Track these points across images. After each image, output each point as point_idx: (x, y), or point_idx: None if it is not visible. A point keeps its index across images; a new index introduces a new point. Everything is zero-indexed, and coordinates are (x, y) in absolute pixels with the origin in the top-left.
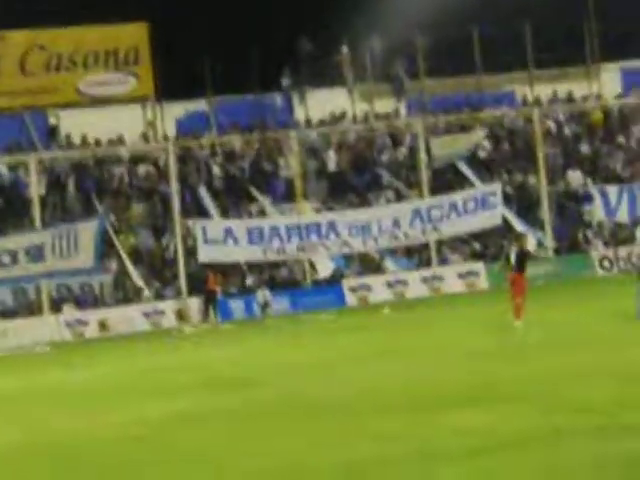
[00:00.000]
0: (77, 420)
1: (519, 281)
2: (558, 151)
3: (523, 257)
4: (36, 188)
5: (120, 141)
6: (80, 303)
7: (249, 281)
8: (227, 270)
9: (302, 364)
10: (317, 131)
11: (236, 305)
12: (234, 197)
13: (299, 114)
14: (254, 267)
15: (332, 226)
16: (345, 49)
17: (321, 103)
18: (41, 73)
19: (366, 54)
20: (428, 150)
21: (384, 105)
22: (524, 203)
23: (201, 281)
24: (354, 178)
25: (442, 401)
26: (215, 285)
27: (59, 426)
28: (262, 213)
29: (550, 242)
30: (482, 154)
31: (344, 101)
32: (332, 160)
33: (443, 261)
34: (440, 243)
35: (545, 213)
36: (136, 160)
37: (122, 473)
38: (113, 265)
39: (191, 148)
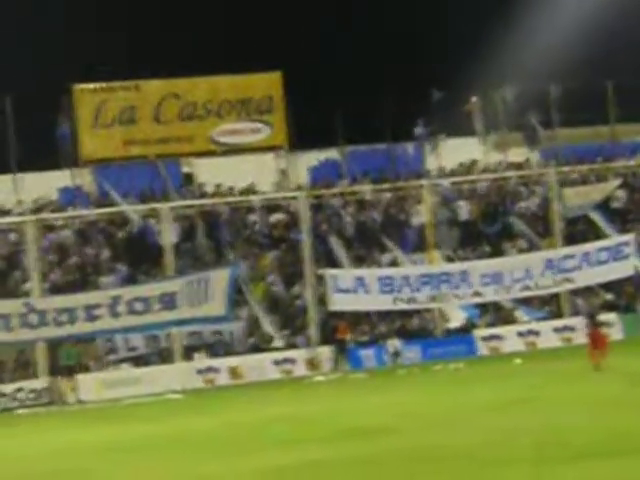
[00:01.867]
0: (206, 466)
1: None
2: None
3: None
4: (169, 236)
5: (253, 189)
6: (212, 351)
7: (380, 330)
8: (358, 319)
9: (432, 413)
10: (449, 180)
11: (367, 354)
12: (365, 246)
13: (431, 163)
14: (385, 316)
15: (464, 275)
16: (475, 98)
17: (453, 152)
18: (175, 122)
19: (498, 103)
20: (561, 200)
21: (517, 154)
22: None
23: (332, 330)
24: (486, 227)
25: (569, 452)
26: (346, 334)
27: (195, 472)
28: (393, 262)
29: None
30: (616, 204)
31: (476, 150)
32: (464, 209)
33: (576, 312)
34: (573, 293)
35: None
36: (269, 208)
37: None
38: (244, 313)
39: (323, 197)
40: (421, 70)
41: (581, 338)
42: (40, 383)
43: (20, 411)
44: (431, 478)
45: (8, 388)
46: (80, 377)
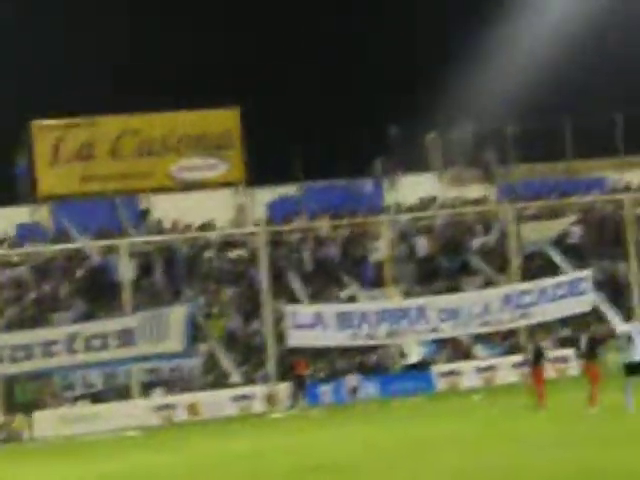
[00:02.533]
0: None
1: (591, 369)
2: None
3: (594, 344)
4: (126, 272)
5: (211, 225)
6: (170, 387)
7: (338, 366)
8: (316, 355)
9: (390, 449)
10: (407, 216)
11: (325, 390)
12: (324, 281)
13: (389, 199)
14: (344, 352)
15: (422, 311)
16: (433, 135)
17: (411, 188)
18: (133, 158)
19: (456, 140)
20: (518, 236)
21: (474, 190)
22: (615, 290)
23: (290, 366)
24: (444, 263)
25: None
26: (304, 370)
27: None
28: (352, 298)
29: None
30: (572, 240)
31: (434, 186)
32: (422, 245)
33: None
34: (531, 329)
35: (636, 300)
36: (226, 244)
37: None
38: (203, 349)
39: (281, 233)
40: (379, 105)
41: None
42: None
43: None
44: None
45: None
46: (37, 414)
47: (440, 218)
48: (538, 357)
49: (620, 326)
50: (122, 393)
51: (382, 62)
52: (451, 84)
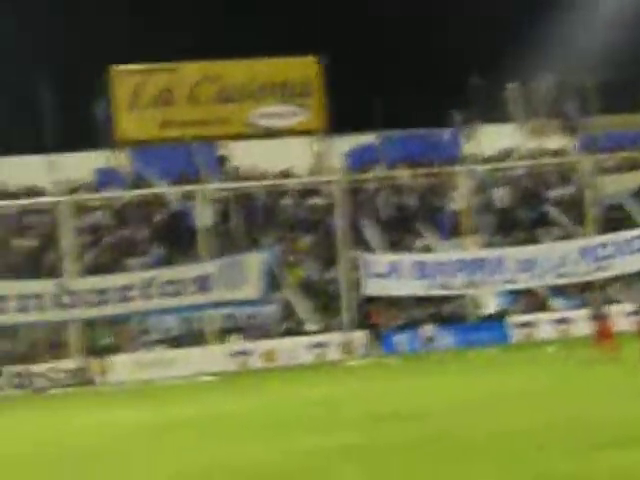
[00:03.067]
0: (241, 448)
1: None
2: None
3: None
4: (204, 219)
5: (289, 173)
6: (246, 333)
7: (414, 315)
8: (392, 304)
9: (465, 399)
10: (485, 167)
11: (401, 339)
12: (401, 231)
13: (468, 149)
14: (419, 301)
15: (498, 262)
16: (514, 85)
17: (490, 139)
18: (212, 104)
19: (537, 90)
20: (597, 188)
21: (554, 142)
22: None
23: (366, 314)
24: (521, 214)
25: (600, 440)
26: (379, 319)
27: (227, 453)
28: (428, 248)
29: None
30: None
31: (513, 137)
32: (500, 196)
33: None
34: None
35: None
36: (304, 193)
37: None
38: (279, 296)
39: (359, 181)
40: (460, 56)
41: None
42: (73, 363)
43: (53, 391)
44: (463, 464)
45: (41, 368)
46: (113, 358)
47: (519, 169)
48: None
49: None
50: (198, 339)
51: (465, 12)
52: (534, 35)
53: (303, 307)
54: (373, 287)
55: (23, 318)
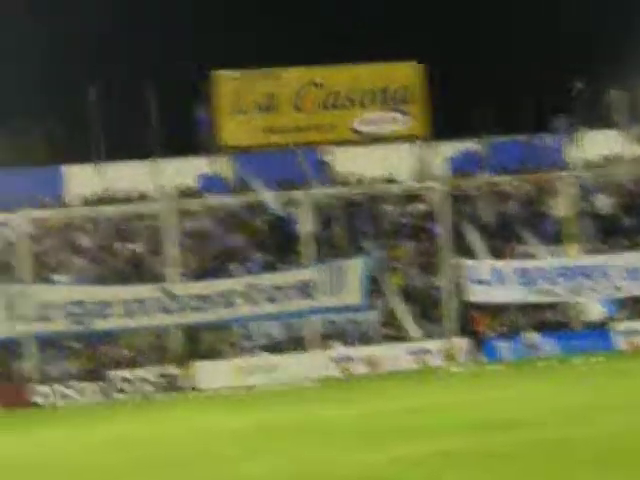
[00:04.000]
0: (346, 455)
1: None
2: None
3: None
4: (306, 224)
5: (391, 179)
6: (347, 339)
7: (517, 322)
8: (495, 311)
9: (569, 407)
10: (589, 173)
11: (504, 346)
12: (503, 237)
13: (571, 155)
14: (523, 308)
15: (602, 269)
16: (618, 91)
17: (594, 144)
18: (316, 111)
19: None
20: None
21: None
22: None
23: (468, 321)
24: (626, 221)
25: None
26: (482, 326)
27: (329, 460)
28: (531, 254)
29: None
30: None
31: (617, 143)
32: (603, 202)
33: None
34: None
35: None
36: (407, 198)
37: None
38: (381, 303)
39: (462, 188)
40: (564, 61)
41: None
42: (175, 369)
43: (156, 396)
44: (569, 472)
45: (144, 373)
46: (216, 363)
47: (623, 175)
48: None
49: None
50: (300, 345)
51: (570, 18)
52: (637, 38)
53: (404, 313)
54: (476, 294)
55: (127, 323)
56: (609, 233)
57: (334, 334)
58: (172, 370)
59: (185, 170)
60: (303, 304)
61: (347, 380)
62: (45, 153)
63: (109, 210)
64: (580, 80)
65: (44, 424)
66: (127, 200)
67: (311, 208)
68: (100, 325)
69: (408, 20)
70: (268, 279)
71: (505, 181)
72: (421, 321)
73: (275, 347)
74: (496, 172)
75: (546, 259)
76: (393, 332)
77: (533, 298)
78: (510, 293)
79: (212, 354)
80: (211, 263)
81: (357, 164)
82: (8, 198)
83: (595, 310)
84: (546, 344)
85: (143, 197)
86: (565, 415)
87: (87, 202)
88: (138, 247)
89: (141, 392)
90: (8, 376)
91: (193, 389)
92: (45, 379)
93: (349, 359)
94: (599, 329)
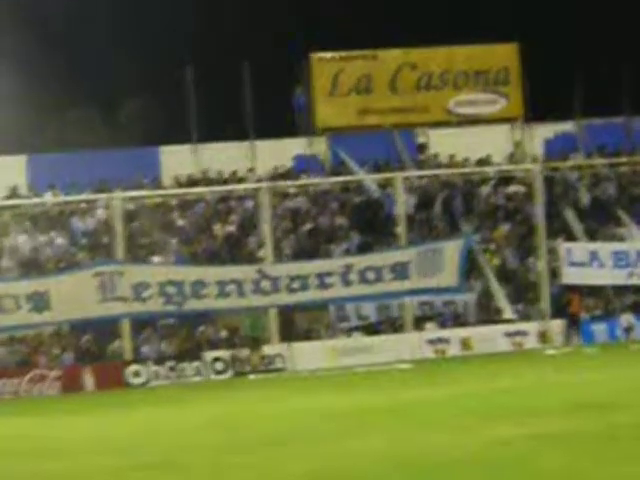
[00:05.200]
0: (439, 436)
1: None
2: None
3: None
4: (403, 206)
5: (488, 161)
6: (443, 321)
7: (613, 304)
8: (591, 293)
9: None
10: None
11: (600, 328)
12: (600, 220)
13: None
14: (619, 290)
15: None
16: None
17: None
18: (412, 92)
19: None
20: None
21: None
22: None
23: (564, 303)
24: None
25: None
26: (578, 308)
27: (422, 441)
28: (628, 237)
29: None
30: None
31: None
32: None
33: None
34: None
35: None
36: (503, 180)
37: None
38: (477, 284)
39: (558, 170)
40: None
41: None
42: (272, 349)
43: (252, 376)
44: None
45: (240, 354)
46: (311, 344)
47: None
48: None
49: None
50: (395, 326)
51: None
52: None
53: (501, 295)
54: (572, 276)
55: (223, 304)
56: None
57: (430, 315)
58: (268, 351)
59: (281, 151)
60: (399, 285)
61: (442, 361)
62: (141, 133)
63: (206, 191)
64: None
65: (139, 405)
66: (224, 181)
67: (407, 189)
68: (195, 305)
69: (505, 0)
70: (364, 260)
71: (601, 163)
72: (517, 303)
73: (371, 328)
74: (592, 154)
75: None
76: (489, 314)
77: (630, 280)
78: (607, 275)
79: (308, 335)
80: (307, 243)
81: (453, 145)
82: (104, 178)
83: None
84: None
85: (240, 178)
86: None
87: (183, 183)
88: (234, 228)
89: (236, 372)
90: (103, 356)
91: (289, 370)
92: (140, 359)
93: (445, 341)
94: None
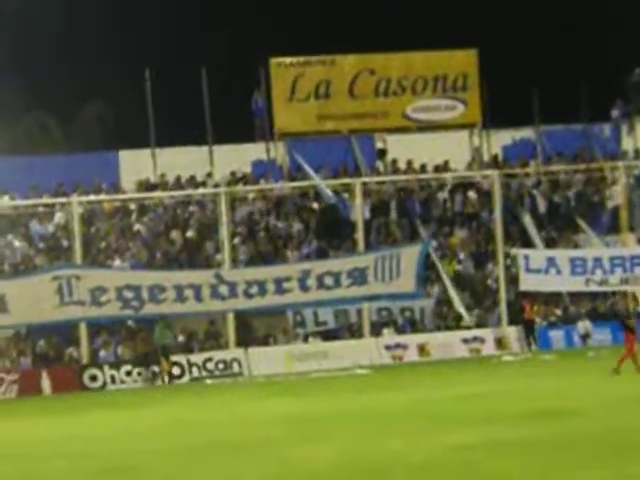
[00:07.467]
0: (395, 441)
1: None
2: None
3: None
4: (361, 211)
5: (445, 167)
6: (400, 327)
7: (571, 311)
8: (548, 300)
9: (622, 397)
10: None
11: (557, 335)
12: (558, 226)
13: (627, 145)
14: (576, 297)
15: None
16: None
17: None
18: (370, 97)
19: None
20: None
21: None
22: None
23: (521, 310)
24: None
25: None
26: (533, 314)
27: (378, 446)
28: (586, 244)
29: None
30: None
31: None
32: None
33: None
34: None
35: None
36: (461, 186)
37: None
38: (435, 290)
39: (516, 176)
40: (620, 49)
41: None
42: (228, 354)
43: (209, 381)
44: (617, 461)
45: (198, 358)
46: (268, 350)
47: None
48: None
49: None
50: (353, 332)
51: (624, 7)
52: None
53: (457, 301)
54: (530, 282)
55: (181, 308)
56: None
57: (387, 321)
58: (224, 356)
59: (240, 156)
60: (357, 291)
61: (399, 367)
62: (99, 137)
63: (163, 196)
64: (636, 69)
65: (96, 409)
66: (181, 186)
67: (365, 195)
68: (153, 310)
69: (463, 6)
70: (322, 266)
71: (559, 169)
72: (474, 309)
73: (328, 334)
74: (551, 160)
75: (601, 248)
76: (446, 320)
77: (587, 287)
78: (564, 282)
79: (264, 340)
80: (264, 249)
81: (411, 151)
82: (63, 182)
83: None
84: (599, 334)
85: (197, 183)
86: (616, 405)
87: (141, 187)
88: (192, 233)
89: (192, 377)
90: (61, 360)
91: (244, 375)
92: (98, 363)
93: (402, 347)
94: None
